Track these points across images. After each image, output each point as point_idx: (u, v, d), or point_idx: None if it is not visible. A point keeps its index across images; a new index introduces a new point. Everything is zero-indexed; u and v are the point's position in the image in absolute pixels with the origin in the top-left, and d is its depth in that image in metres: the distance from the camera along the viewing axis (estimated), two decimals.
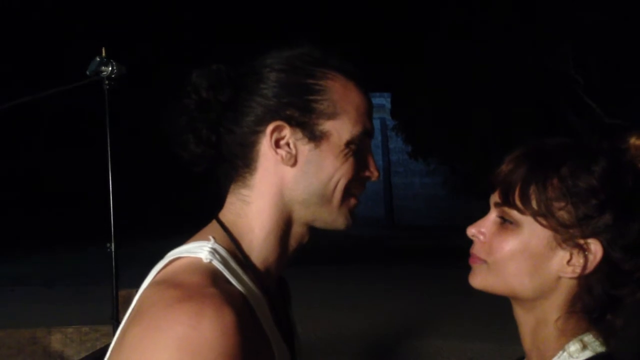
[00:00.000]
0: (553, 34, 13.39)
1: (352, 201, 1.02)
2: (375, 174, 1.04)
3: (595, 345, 0.91)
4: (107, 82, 2.42)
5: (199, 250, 0.91)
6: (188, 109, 0.98)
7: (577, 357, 0.90)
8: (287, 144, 0.97)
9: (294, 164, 0.97)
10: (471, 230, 1.00)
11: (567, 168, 0.92)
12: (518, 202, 0.93)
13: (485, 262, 0.97)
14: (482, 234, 0.99)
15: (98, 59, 2.42)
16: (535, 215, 0.92)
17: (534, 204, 0.92)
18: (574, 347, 0.91)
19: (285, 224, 1.00)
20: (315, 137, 0.97)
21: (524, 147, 0.98)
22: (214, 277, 0.87)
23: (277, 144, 0.97)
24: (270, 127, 0.96)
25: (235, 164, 1.00)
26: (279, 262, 1.01)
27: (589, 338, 0.92)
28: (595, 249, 0.90)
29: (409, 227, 22.44)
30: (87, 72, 2.42)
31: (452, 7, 15.28)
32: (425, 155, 19.50)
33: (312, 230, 1.03)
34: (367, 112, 1.02)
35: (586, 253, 0.91)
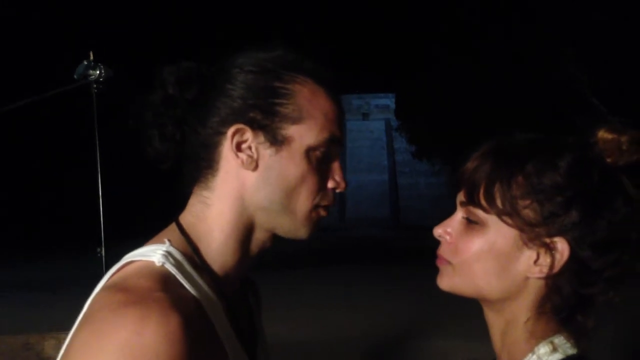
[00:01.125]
0: (555, 34, 13.34)
1: (320, 212, 0.99)
2: (342, 184, 1.00)
3: (566, 347, 0.88)
4: (95, 85, 2.41)
5: (152, 253, 0.90)
6: (154, 104, 0.96)
7: None
8: (249, 148, 0.94)
9: (255, 168, 0.95)
10: (437, 231, 0.98)
11: (532, 165, 0.89)
12: (483, 201, 0.90)
13: (450, 263, 0.95)
14: (448, 234, 0.96)
15: (85, 62, 2.41)
16: (500, 214, 0.89)
17: (498, 203, 0.89)
18: (543, 349, 0.89)
19: (246, 229, 0.97)
20: (277, 141, 0.94)
21: (490, 144, 0.95)
22: (164, 281, 0.85)
23: (238, 147, 0.94)
24: (231, 130, 0.94)
25: (199, 164, 0.97)
26: (238, 266, 0.98)
27: (559, 340, 0.89)
28: (562, 247, 0.87)
29: (414, 227, 22.38)
30: (75, 76, 2.42)
31: (453, 8, 15.25)
32: (429, 156, 19.47)
33: (277, 237, 1.01)
34: (336, 119, 0.98)
35: (553, 252, 0.88)
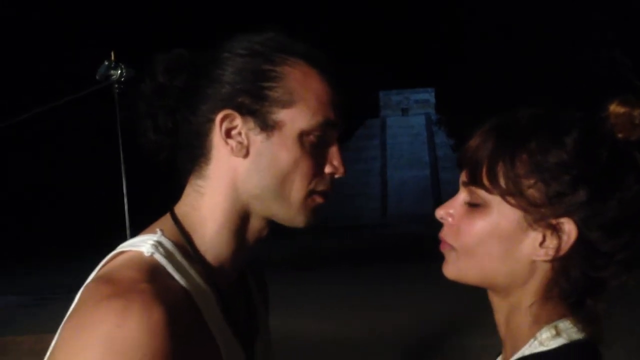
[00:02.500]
0: (597, 19, 12.97)
1: (317, 199, 0.95)
2: (341, 169, 0.96)
3: (572, 332, 0.82)
4: (116, 86, 2.44)
5: (142, 243, 0.88)
6: (145, 94, 0.94)
7: (547, 345, 0.82)
8: (239, 134, 0.91)
9: (246, 155, 0.92)
10: (439, 212, 0.92)
11: (537, 142, 0.82)
12: (485, 181, 0.84)
13: (453, 247, 0.90)
14: (451, 215, 0.90)
15: (106, 62, 2.44)
16: (503, 194, 0.83)
17: (501, 182, 0.83)
18: (546, 334, 0.83)
19: (240, 218, 0.95)
20: (267, 126, 0.91)
21: (493, 120, 0.89)
22: (152, 272, 0.84)
23: (227, 134, 0.91)
24: (219, 116, 0.91)
25: (192, 153, 0.95)
26: (234, 257, 0.96)
27: (564, 324, 0.83)
28: (569, 229, 0.81)
29: None
30: (97, 77, 2.45)
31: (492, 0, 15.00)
32: None
33: (273, 224, 0.98)
34: (331, 101, 0.94)
35: (559, 234, 0.81)
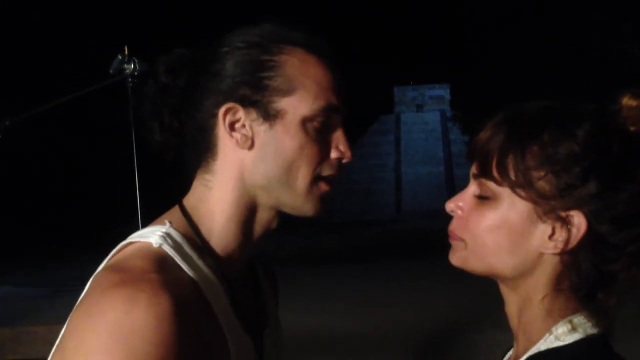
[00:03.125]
0: (613, 15, 12.80)
1: (322, 186, 0.95)
2: (348, 153, 0.96)
3: (587, 327, 0.82)
4: (130, 80, 2.45)
5: (151, 234, 0.89)
6: (149, 95, 0.96)
7: (564, 340, 0.81)
8: (243, 126, 0.92)
9: (251, 146, 0.92)
10: (449, 205, 0.92)
11: (548, 134, 0.82)
12: (495, 173, 0.84)
13: (463, 239, 0.89)
14: (460, 208, 0.90)
15: (120, 57, 2.45)
16: (513, 186, 0.83)
17: (511, 175, 0.83)
18: (561, 329, 0.82)
19: (249, 210, 0.96)
20: (269, 116, 0.91)
21: (504, 112, 0.88)
22: (160, 263, 0.85)
23: (232, 127, 0.92)
24: (222, 110, 0.92)
25: (199, 149, 0.96)
26: (241, 248, 0.97)
27: (579, 319, 0.83)
28: (579, 221, 0.81)
29: None
30: (110, 71, 2.47)
31: None
32: None
33: (282, 215, 0.98)
34: (333, 86, 0.94)
35: (569, 226, 0.81)
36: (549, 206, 0.82)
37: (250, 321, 0.97)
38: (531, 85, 14.05)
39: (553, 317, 0.84)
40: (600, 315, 0.83)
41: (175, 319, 0.78)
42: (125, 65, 2.46)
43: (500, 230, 0.85)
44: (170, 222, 0.93)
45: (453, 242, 0.92)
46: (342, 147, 0.96)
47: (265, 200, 0.95)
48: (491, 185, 0.85)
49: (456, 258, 0.91)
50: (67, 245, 11.65)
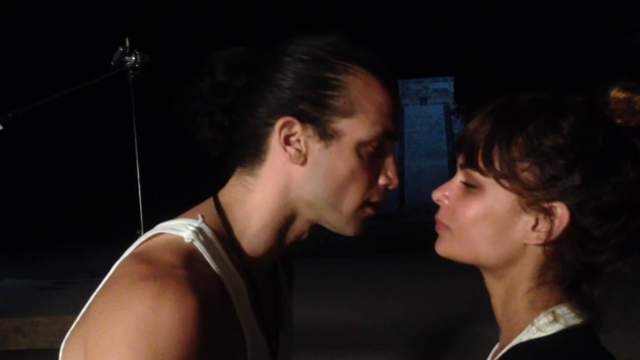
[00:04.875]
0: (619, 8, 12.73)
1: (367, 210, 0.95)
2: (395, 181, 0.95)
3: (569, 318, 0.83)
4: (131, 72, 2.46)
5: (183, 228, 0.89)
6: (203, 91, 0.94)
7: (545, 331, 0.82)
8: (298, 141, 0.91)
9: (304, 162, 0.91)
10: (436, 194, 0.93)
11: (534, 125, 0.82)
12: (480, 164, 0.85)
13: (448, 228, 0.90)
14: (447, 197, 0.91)
15: (121, 49, 2.46)
16: (498, 177, 0.84)
17: (496, 165, 0.84)
18: (543, 320, 0.83)
19: (287, 220, 0.95)
20: (326, 135, 0.90)
21: (493, 103, 0.89)
22: (190, 258, 0.85)
23: (286, 141, 0.91)
24: (279, 123, 0.90)
25: (246, 152, 0.95)
26: (271, 253, 0.97)
27: (562, 310, 0.83)
28: (562, 213, 0.81)
29: None
30: (112, 63, 2.47)
31: None
32: None
33: (316, 226, 0.98)
34: (391, 112, 0.93)
35: (552, 218, 0.82)
36: (533, 197, 0.83)
37: (267, 321, 0.97)
38: (536, 78, 14.01)
39: (536, 308, 0.85)
40: (584, 306, 0.84)
41: (199, 319, 0.77)
42: (127, 57, 2.47)
43: (484, 220, 0.86)
44: (202, 217, 0.92)
45: (440, 231, 0.93)
46: (390, 174, 0.95)
47: (307, 215, 0.95)
48: (477, 175, 0.86)
49: (442, 248, 0.92)
50: (69, 238, 11.68)
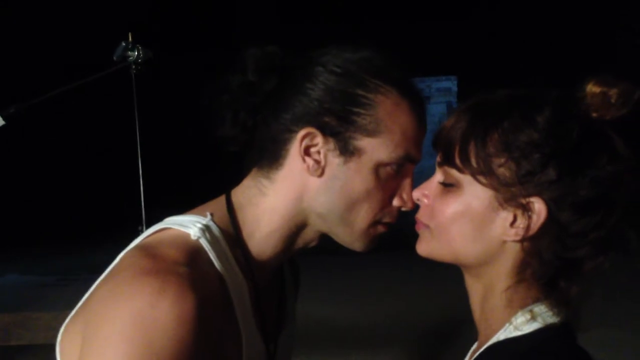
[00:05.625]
0: (619, 7, 12.70)
1: (379, 229, 0.96)
2: (409, 204, 0.95)
3: (547, 316, 0.82)
4: (134, 67, 2.45)
5: (191, 225, 0.89)
6: (231, 87, 0.94)
7: (522, 330, 0.82)
8: (318, 153, 0.91)
9: (321, 175, 0.91)
10: (415, 194, 0.93)
11: (509, 121, 0.82)
12: (457, 161, 0.85)
13: (428, 227, 0.90)
14: (426, 196, 0.91)
15: (124, 44, 2.45)
16: (474, 173, 0.83)
17: (473, 162, 0.83)
18: (521, 318, 0.83)
19: (297, 227, 0.95)
20: (347, 151, 0.90)
21: (469, 101, 0.89)
22: (194, 256, 0.85)
23: (306, 151, 0.91)
24: (302, 132, 0.90)
25: (263, 154, 0.95)
26: (278, 258, 0.97)
27: (539, 308, 0.83)
28: (539, 208, 0.81)
29: None
30: (114, 58, 2.46)
31: None
32: None
33: (324, 236, 0.98)
34: (415, 137, 0.94)
35: (529, 213, 0.81)
36: (510, 193, 0.82)
37: (268, 324, 0.97)
38: (539, 78, 13.96)
39: (513, 306, 0.85)
40: (562, 304, 0.83)
41: (197, 320, 0.78)
42: (129, 53, 2.46)
43: (463, 217, 0.85)
44: (211, 215, 0.92)
45: (420, 231, 0.93)
46: (405, 197, 0.95)
47: (317, 225, 0.95)
48: (454, 173, 0.86)
49: (422, 247, 0.92)
50: (71, 234, 11.67)
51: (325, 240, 1.00)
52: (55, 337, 1.97)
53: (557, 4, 13.91)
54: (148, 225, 2.47)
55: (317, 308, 5.71)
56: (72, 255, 11.01)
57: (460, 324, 5.39)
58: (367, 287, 7.19)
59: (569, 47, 13.86)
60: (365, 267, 8.63)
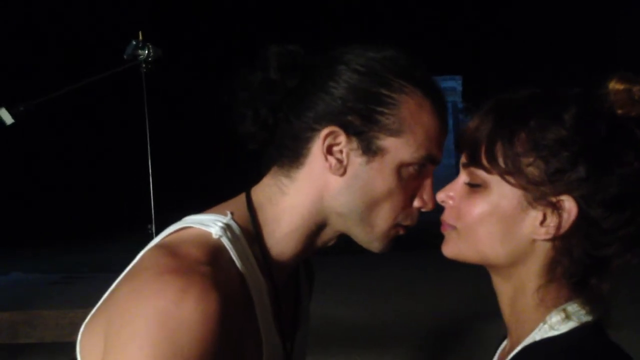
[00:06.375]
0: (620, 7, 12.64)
1: (399, 230, 0.95)
2: (430, 205, 0.94)
3: (581, 315, 0.82)
4: (144, 65, 2.45)
5: (212, 224, 0.88)
6: (252, 85, 0.93)
7: (558, 329, 0.81)
8: (340, 152, 0.90)
9: (343, 174, 0.90)
10: (440, 196, 0.92)
11: (536, 120, 0.82)
12: (484, 161, 0.84)
13: (455, 228, 0.90)
14: (451, 198, 0.91)
15: (134, 42, 2.45)
16: (502, 173, 0.83)
17: (500, 162, 0.83)
18: (555, 318, 0.82)
19: (317, 227, 0.94)
20: (370, 151, 0.89)
21: (492, 101, 0.89)
22: (216, 255, 0.84)
23: (329, 150, 0.90)
24: (325, 131, 0.89)
25: (284, 153, 0.94)
26: (297, 257, 0.96)
27: (572, 307, 0.82)
28: (570, 206, 0.80)
29: None
30: (124, 56, 2.46)
31: None
32: None
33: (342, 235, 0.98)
34: (438, 137, 0.93)
35: (560, 211, 0.81)
36: (539, 192, 0.82)
37: (285, 323, 0.97)
38: (546, 77, 13.96)
39: (546, 306, 0.84)
40: (594, 302, 0.83)
41: (221, 318, 0.77)
42: (140, 51, 2.46)
43: (491, 218, 0.85)
44: (232, 214, 0.91)
45: (445, 232, 0.92)
46: (426, 198, 0.95)
47: (337, 225, 0.95)
48: (481, 173, 0.86)
49: (449, 249, 0.91)
50: (77, 232, 11.70)
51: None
52: (62, 335, 1.95)
53: (560, 5, 13.88)
54: (158, 225, 2.47)
55: (328, 308, 5.71)
56: (77, 253, 11.05)
57: (469, 323, 5.37)
58: (377, 286, 7.19)
59: (572, 47, 13.83)
60: (371, 268, 8.63)
